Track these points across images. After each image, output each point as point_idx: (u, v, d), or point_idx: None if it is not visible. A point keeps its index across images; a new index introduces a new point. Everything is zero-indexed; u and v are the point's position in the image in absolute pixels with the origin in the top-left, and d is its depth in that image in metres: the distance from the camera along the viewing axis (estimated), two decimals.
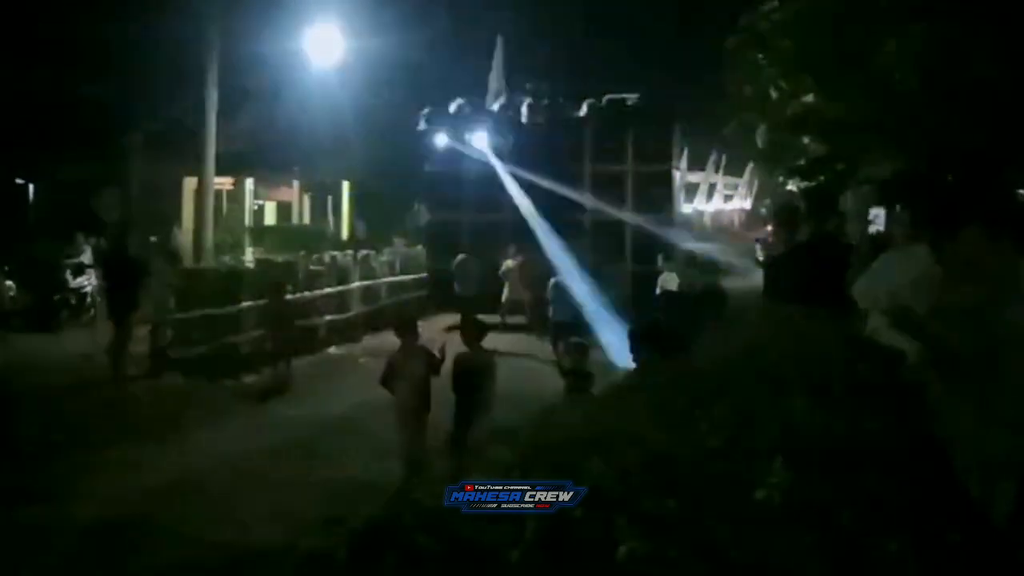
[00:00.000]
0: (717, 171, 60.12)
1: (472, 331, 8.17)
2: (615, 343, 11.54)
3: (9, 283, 15.88)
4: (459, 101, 19.66)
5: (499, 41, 21.44)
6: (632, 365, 7.12)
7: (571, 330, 13.82)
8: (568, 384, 8.80)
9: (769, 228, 22.10)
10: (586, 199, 18.78)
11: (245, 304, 13.92)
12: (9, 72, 18.31)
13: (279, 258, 17.18)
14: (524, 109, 19.08)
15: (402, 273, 20.43)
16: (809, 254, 6.91)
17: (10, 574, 6.48)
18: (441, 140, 19.42)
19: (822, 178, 14.29)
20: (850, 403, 4.13)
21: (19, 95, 18.97)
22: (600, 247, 18.12)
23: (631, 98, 18.90)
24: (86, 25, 18.01)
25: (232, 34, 17.49)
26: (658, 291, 15.67)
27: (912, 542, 2.96)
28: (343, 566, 2.81)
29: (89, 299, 17.03)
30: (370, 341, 16.41)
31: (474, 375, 7.83)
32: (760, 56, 14.42)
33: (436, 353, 8.17)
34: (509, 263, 17.78)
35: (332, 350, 15.67)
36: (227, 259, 16.62)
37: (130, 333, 12.95)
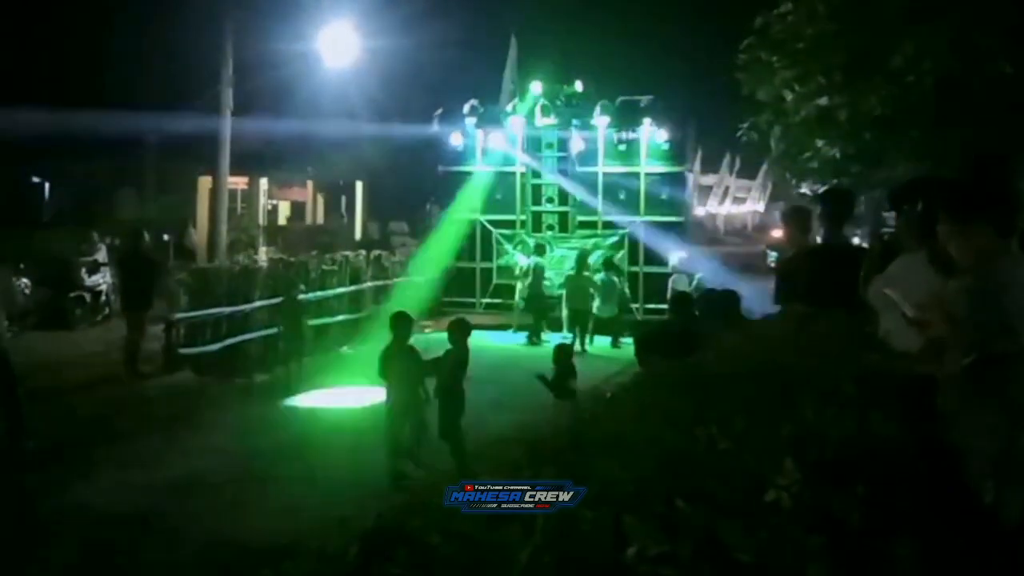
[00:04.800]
0: (731, 173, 60.05)
1: (460, 330, 8.68)
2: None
3: (24, 280, 15.98)
4: (472, 102, 19.70)
5: (513, 41, 21.45)
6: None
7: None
8: (553, 388, 8.83)
9: (777, 233, 22.11)
10: (599, 200, 18.83)
11: (258, 303, 13.96)
12: (26, 72, 18.42)
13: (292, 257, 17.23)
14: (537, 110, 19.10)
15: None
16: (822, 257, 6.87)
17: (23, 567, 6.51)
18: (454, 140, 19.47)
19: (836, 181, 14.24)
20: (861, 406, 4.12)
21: (36, 95, 19.09)
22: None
23: (645, 100, 18.91)
24: (103, 25, 18.10)
25: (247, 34, 17.55)
26: (669, 292, 15.71)
27: (922, 547, 2.95)
28: (354, 565, 2.82)
29: (104, 297, 17.14)
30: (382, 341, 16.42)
31: (462, 371, 8.42)
32: (774, 58, 14.38)
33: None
34: (522, 264, 17.90)
35: (344, 349, 15.70)
36: (240, 258, 16.65)
37: (144, 331, 13.03)
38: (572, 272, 17.10)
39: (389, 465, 8.42)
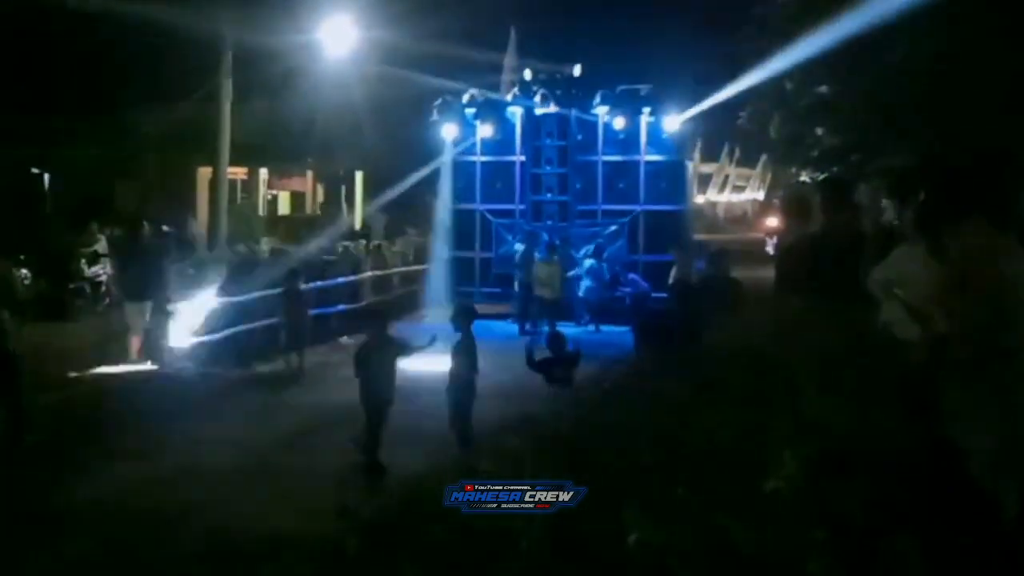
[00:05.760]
0: (731, 162, 60.11)
1: (464, 316, 8.76)
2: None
3: (24, 272, 15.97)
4: (472, 91, 19.68)
5: (512, 31, 21.44)
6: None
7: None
8: (548, 375, 8.86)
9: (772, 221, 22.18)
10: (599, 189, 18.85)
11: (258, 293, 13.98)
12: (25, 62, 18.41)
13: (293, 248, 17.26)
14: (537, 99, 19.08)
15: (414, 263, 20.51)
16: (822, 245, 6.89)
17: (26, 561, 6.52)
18: (454, 130, 19.47)
19: (835, 169, 14.26)
20: (862, 398, 4.12)
21: (35, 84, 19.07)
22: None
23: (644, 88, 18.89)
24: (101, 15, 18.07)
25: (246, 24, 17.52)
26: (671, 281, 15.71)
27: (922, 541, 2.96)
28: (355, 556, 2.83)
29: (104, 288, 17.13)
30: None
31: (467, 357, 8.49)
32: (774, 47, 14.37)
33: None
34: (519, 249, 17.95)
35: (344, 339, 15.72)
36: (241, 248, 16.66)
37: (144, 321, 13.03)
38: (542, 258, 17.15)
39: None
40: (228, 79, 17.03)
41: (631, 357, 11.06)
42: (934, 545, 3.00)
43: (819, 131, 14.39)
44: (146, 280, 13.20)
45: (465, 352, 8.58)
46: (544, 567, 2.70)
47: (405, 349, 8.88)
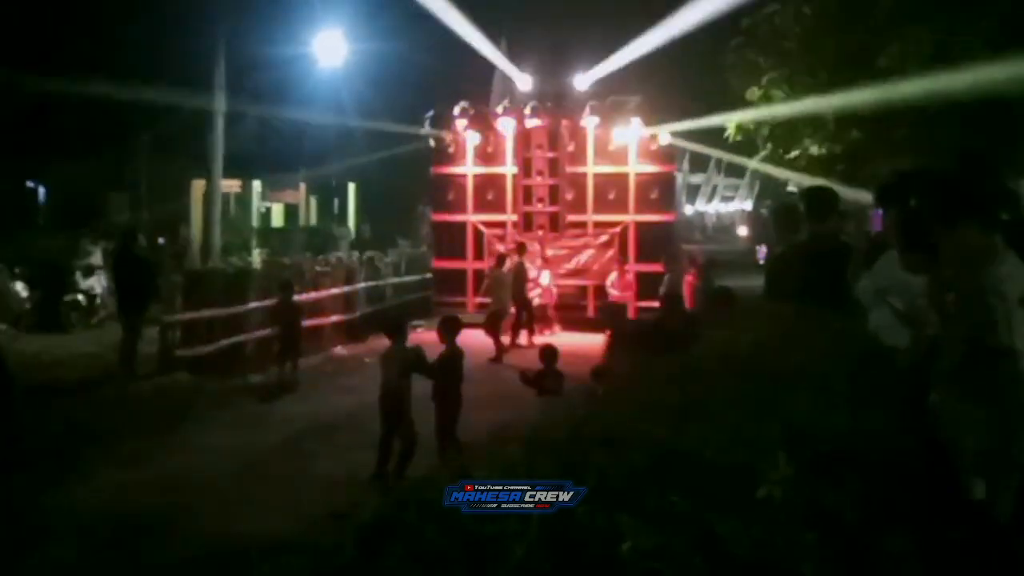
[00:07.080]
0: (719, 172, 60.30)
1: (449, 328, 8.75)
2: None
3: (20, 284, 16.04)
4: (463, 103, 19.81)
5: (503, 43, 21.56)
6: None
7: None
8: (539, 387, 8.95)
9: (743, 231, 22.30)
10: (589, 200, 18.98)
11: (252, 304, 14.04)
12: (19, 76, 18.46)
13: (286, 259, 17.32)
14: (527, 111, 19.22)
15: (407, 274, 20.60)
16: (809, 253, 6.99)
17: (19, 567, 6.57)
18: (445, 142, 19.60)
19: (823, 179, 14.38)
20: (852, 401, 4.21)
21: (29, 99, 19.12)
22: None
23: (634, 100, 19.03)
24: (95, 28, 18.18)
25: (240, 37, 17.64)
26: (663, 290, 15.83)
27: (914, 541, 3.03)
28: (349, 560, 2.89)
29: (99, 300, 17.18)
30: (375, 341, 16.51)
31: (455, 369, 8.51)
32: (761, 58, 14.54)
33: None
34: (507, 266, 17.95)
35: (338, 350, 15.80)
36: (234, 260, 16.73)
37: (139, 333, 13.07)
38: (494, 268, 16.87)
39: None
40: (222, 91, 17.13)
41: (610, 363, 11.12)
42: (926, 545, 3.03)
43: (806, 141, 14.53)
44: (141, 292, 13.24)
45: (447, 363, 8.62)
46: (539, 571, 2.75)
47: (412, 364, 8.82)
